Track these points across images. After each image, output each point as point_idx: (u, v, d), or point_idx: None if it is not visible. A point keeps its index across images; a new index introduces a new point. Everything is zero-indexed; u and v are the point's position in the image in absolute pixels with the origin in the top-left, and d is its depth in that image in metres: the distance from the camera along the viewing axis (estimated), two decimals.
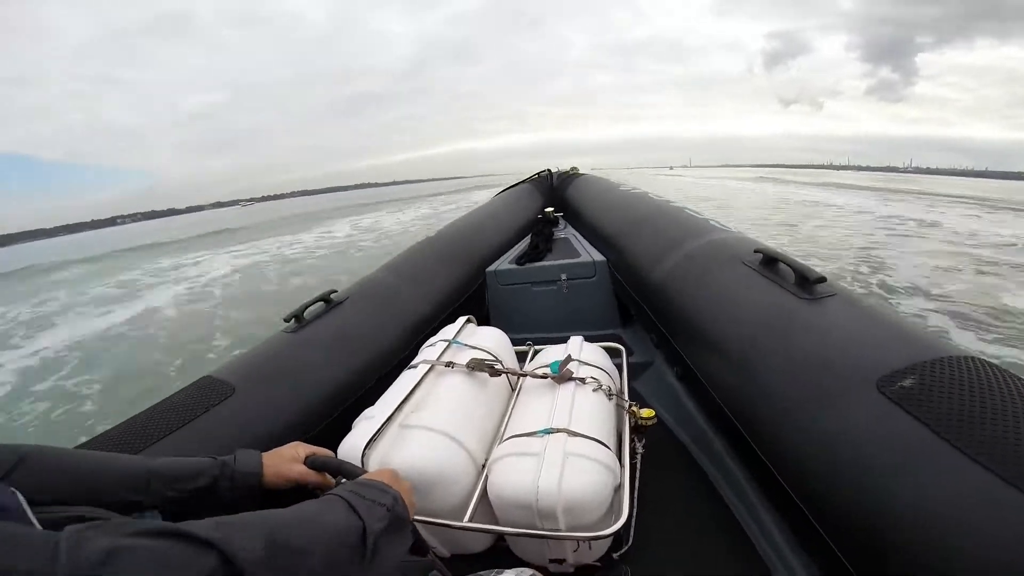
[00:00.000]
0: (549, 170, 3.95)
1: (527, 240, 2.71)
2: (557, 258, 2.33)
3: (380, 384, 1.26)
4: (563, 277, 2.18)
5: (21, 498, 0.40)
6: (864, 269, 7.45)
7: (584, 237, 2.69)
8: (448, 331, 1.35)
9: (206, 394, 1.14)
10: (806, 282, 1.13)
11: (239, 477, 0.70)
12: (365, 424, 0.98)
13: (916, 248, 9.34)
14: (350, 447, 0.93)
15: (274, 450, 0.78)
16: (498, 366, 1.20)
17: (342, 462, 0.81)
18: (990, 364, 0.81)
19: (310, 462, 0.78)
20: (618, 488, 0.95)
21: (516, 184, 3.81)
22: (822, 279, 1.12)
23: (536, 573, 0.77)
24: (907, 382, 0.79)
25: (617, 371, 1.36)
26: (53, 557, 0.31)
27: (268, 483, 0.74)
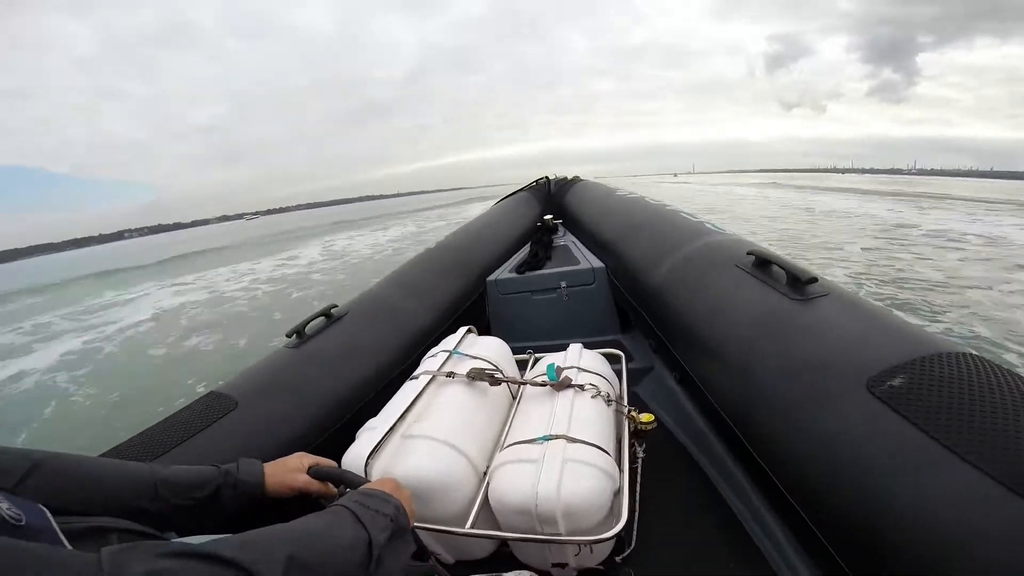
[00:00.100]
0: (547, 177, 3.97)
1: (527, 248, 2.73)
2: (556, 266, 2.35)
3: (382, 395, 1.28)
4: (563, 284, 2.20)
5: (49, 514, 0.42)
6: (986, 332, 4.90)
7: (583, 244, 2.70)
8: (449, 342, 1.37)
9: (211, 409, 1.17)
10: (798, 283, 1.14)
11: (242, 485, 0.73)
12: (368, 435, 1.00)
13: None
14: (354, 457, 0.95)
15: (279, 460, 0.81)
16: (498, 375, 1.22)
17: (344, 472, 0.83)
18: (983, 360, 0.81)
19: (313, 472, 0.81)
20: (618, 492, 0.96)
21: (514, 192, 3.83)
22: (814, 279, 1.13)
23: (533, 575, 0.79)
24: (896, 381, 0.79)
25: (617, 377, 1.38)
26: None
27: (272, 492, 0.76)
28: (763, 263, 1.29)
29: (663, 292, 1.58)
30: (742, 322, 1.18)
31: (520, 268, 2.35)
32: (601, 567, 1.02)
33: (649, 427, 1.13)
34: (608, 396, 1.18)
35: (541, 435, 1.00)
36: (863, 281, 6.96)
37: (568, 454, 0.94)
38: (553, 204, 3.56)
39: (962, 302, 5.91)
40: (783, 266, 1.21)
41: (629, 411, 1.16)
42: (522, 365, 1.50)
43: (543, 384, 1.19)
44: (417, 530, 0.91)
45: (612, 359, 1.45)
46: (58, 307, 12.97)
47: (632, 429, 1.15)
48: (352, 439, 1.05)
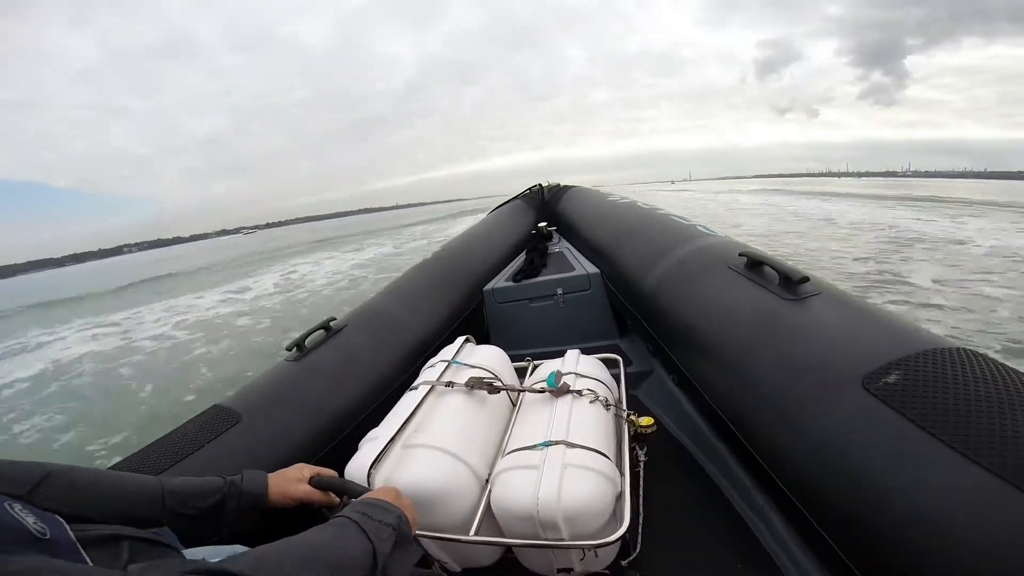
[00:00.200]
0: (540, 185, 4.00)
1: (522, 256, 2.75)
2: (552, 273, 2.36)
3: (383, 407, 1.29)
4: (559, 291, 2.21)
5: (67, 526, 0.43)
6: None
7: (578, 250, 2.72)
8: (448, 351, 1.38)
9: (214, 422, 1.18)
10: (790, 283, 1.15)
11: (246, 496, 0.74)
12: (369, 445, 1.01)
13: None
14: (356, 468, 0.96)
15: (280, 471, 0.82)
16: (496, 383, 1.23)
17: (345, 481, 0.84)
18: (976, 354, 0.82)
19: (315, 482, 0.81)
20: (620, 496, 0.97)
21: (508, 201, 3.85)
22: (805, 279, 1.14)
23: None
24: (891, 378, 0.80)
25: (615, 381, 1.39)
26: None
27: (274, 502, 0.78)
28: (755, 264, 1.30)
29: (658, 295, 1.60)
30: (737, 323, 1.19)
31: (516, 276, 2.36)
32: (607, 571, 1.02)
33: (649, 430, 1.14)
34: (607, 401, 1.19)
35: (541, 441, 1.00)
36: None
37: (568, 459, 0.94)
38: (547, 211, 3.57)
39: None
40: (775, 266, 1.22)
41: (628, 415, 1.17)
42: (521, 373, 1.51)
43: (542, 391, 1.20)
44: (422, 539, 0.91)
45: (610, 364, 1.46)
46: None
47: (632, 433, 1.15)
48: (354, 450, 1.05)
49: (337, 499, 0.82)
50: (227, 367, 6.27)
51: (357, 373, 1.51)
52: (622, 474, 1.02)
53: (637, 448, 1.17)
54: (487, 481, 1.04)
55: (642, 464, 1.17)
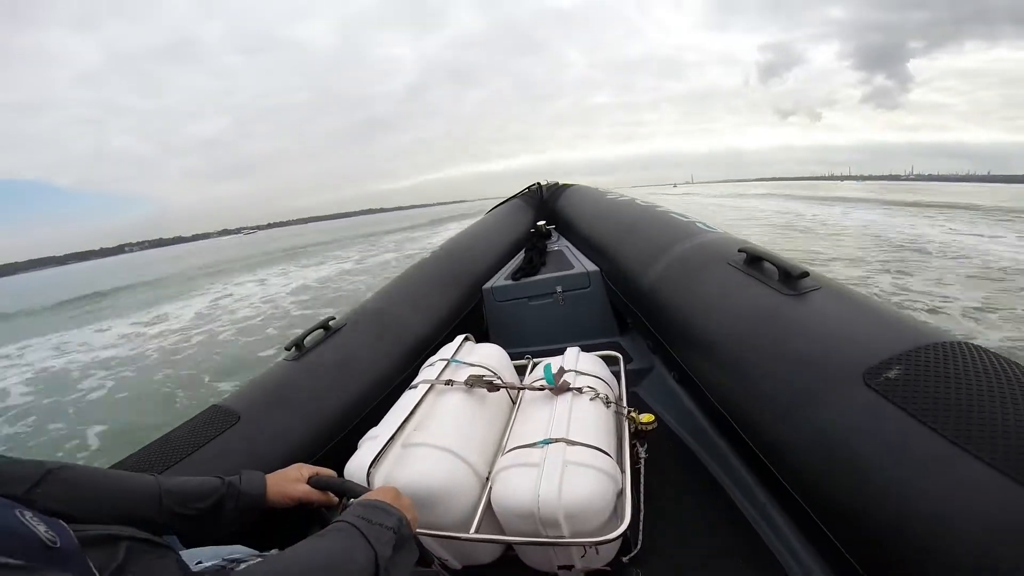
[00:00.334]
0: (539, 183, 3.99)
1: (521, 255, 2.75)
2: (551, 271, 2.36)
3: (382, 405, 1.29)
4: (558, 289, 2.21)
5: (71, 531, 0.43)
6: None
7: (577, 248, 2.72)
8: (447, 350, 1.38)
9: (213, 422, 1.18)
10: (790, 278, 1.14)
11: (244, 497, 0.74)
12: (369, 444, 1.00)
13: None
14: (356, 467, 0.96)
15: (279, 471, 0.81)
16: (496, 381, 1.22)
17: (344, 481, 0.83)
18: (977, 348, 0.81)
19: (313, 482, 0.81)
20: (621, 493, 0.97)
21: (507, 200, 3.85)
22: (805, 274, 1.14)
23: None
24: (892, 373, 0.80)
25: (616, 378, 1.38)
26: None
27: (273, 502, 0.77)
28: (754, 260, 1.30)
29: (658, 292, 1.59)
30: (737, 319, 1.18)
31: (516, 275, 2.36)
32: (608, 568, 1.02)
33: (649, 427, 1.14)
34: (607, 398, 1.19)
35: (541, 439, 1.00)
36: None
37: (568, 457, 0.94)
38: (546, 210, 3.57)
39: None
40: (774, 262, 1.22)
41: (629, 412, 1.16)
42: (521, 371, 1.50)
43: (541, 388, 1.20)
44: (422, 537, 0.91)
45: (611, 361, 1.46)
46: None
47: (633, 430, 1.15)
48: (354, 449, 1.05)
49: (336, 499, 0.81)
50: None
51: (356, 372, 1.50)
52: (623, 471, 1.01)
53: (638, 445, 1.16)
54: (487, 479, 1.03)
55: (643, 461, 1.17)
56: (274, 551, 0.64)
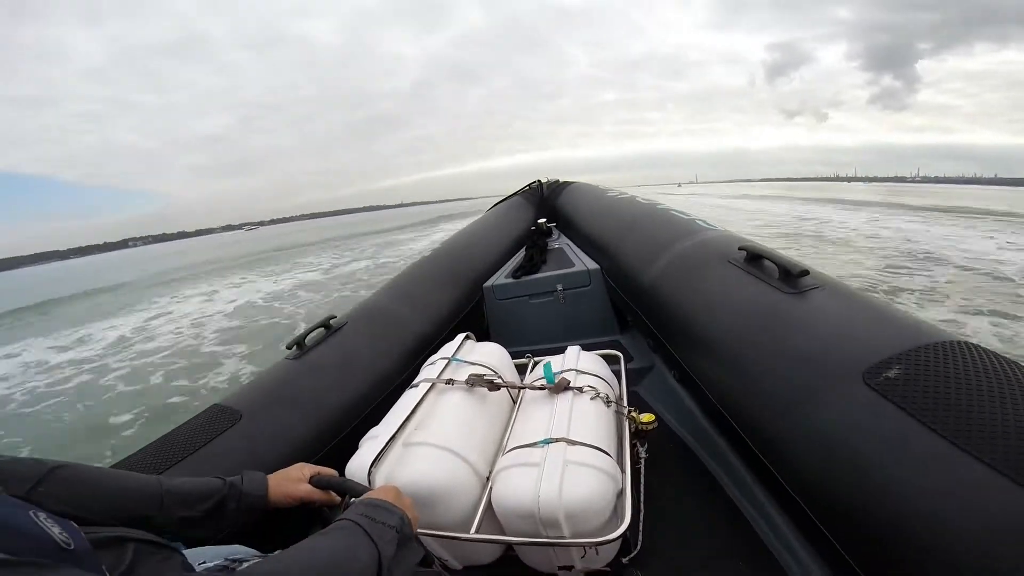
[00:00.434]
0: (539, 181, 3.98)
1: (522, 253, 2.74)
2: (552, 269, 2.35)
3: (383, 405, 1.29)
4: (559, 287, 2.21)
5: (82, 534, 0.43)
6: None
7: (577, 246, 2.71)
8: (448, 349, 1.38)
9: (215, 422, 1.18)
10: (790, 276, 1.14)
11: (246, 497, 0.74)
12: (370, 444, 1.00)
13: None
14: (357, 467, 0.96)
15: (281, 471, 0.82)
16: (497, 380, 1.22)
17: (346, 480, 0.84)
18: (977, 347, 0.81)
19: (315, 481, 0.81)
20: (621, 493, 0.97)
21: (507, 197, 3.84)
22: (805, 272, 1.13)
23: None
24: (892, 372, 0.80)
25: (616, 377, 1.38)
26: None
27: (275, 502, 0.78)
28: (755, 258, 1.30)
29: (658, 291, 1.59)
30: (737, 317, 1.18)
31: (516, 273, 2.36)
32: (608, 568, 1.02)
33: (650, 427, 1.13)
34: (607, 397, 1.19)
35: (541, 438, 1.00)
36: None
37: (569, 456, 0.94)
38: (546, 207, 3.56)
39: None
40: (774, 260, 1.21)
41: (629, 411, 1.17)
42: (521, 369, 1.50)
43: (542, 388, 1.20)
44: (423, 537, 0.91)
45: (611, 360, 1.46)
46: None
47: (633, 429, 1.15)
48: (355, 449, 1.05)
49: (338, 498, 0.82)
50: None
51: (357, 371, 1.50)
52: (623, 471, 1.01)
53: (638, 445, 1.16)
54: (488, 479, 1.04)
55: (643, 461, 1.17)
56: (277, 552, 0.65)
